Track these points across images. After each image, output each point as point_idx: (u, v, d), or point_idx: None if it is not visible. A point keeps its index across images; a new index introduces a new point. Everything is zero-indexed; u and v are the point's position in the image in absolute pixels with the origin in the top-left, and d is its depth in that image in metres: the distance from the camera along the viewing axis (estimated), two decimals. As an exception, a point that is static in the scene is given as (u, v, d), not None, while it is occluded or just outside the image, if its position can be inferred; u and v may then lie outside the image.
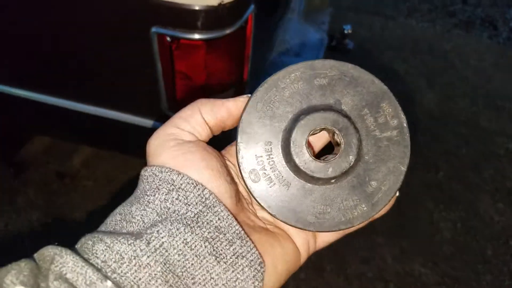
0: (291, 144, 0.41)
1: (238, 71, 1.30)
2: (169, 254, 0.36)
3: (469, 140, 2.66)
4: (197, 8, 1.05)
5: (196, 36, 1.10)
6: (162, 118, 1.34)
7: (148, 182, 0.40)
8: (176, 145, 0.41)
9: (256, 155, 0.43)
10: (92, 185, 2.16)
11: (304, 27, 2.06)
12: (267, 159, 0.43)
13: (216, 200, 0.39)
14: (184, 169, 0.40)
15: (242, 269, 0.39)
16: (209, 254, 0.38)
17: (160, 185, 0.39)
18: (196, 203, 0.38)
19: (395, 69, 3.06)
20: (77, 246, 0.38)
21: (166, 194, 0.39)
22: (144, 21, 1.11)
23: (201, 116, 0.43)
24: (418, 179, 2.41)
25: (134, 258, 0.35)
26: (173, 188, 0.39)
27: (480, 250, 2.17)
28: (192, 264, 0.37)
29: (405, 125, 0.43)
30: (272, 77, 0.43)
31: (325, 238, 0.48)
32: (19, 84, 1.46)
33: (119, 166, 2.21)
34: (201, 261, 0.37)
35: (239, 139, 0.43)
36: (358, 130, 0.42)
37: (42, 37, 1.30)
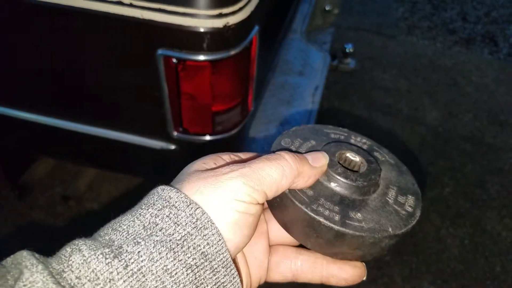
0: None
1: (243, 92, 1.31)
2: (146, 279, 0.35)
3: (474, 156, 2.66)
4: (202, 30, 1.06)
5: (202, 57, 1.12)
6: (168, 138, 1.35)
7: (148, 197, 0.40)
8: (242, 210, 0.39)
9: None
10: (97, 207, 2.16)
11: (307, 47, 2.08)
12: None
13: (208, 221, 0.37)
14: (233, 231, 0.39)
15: None
16: (190, 283, 0.36)
17: (156, 201, 0.39)
18: (186, 224, 0.37)
19: (397, 87, 3.07)
20: (59, 252, 0.36)
21: (159, 210, 0.38)
22: (150, 44, 1.12)
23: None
24: (424, 195, 2.39)
25: (110, 281, 0.34)
26: (167, 205, 0.38)
27: (489, 267, 2.15)
28: None
29: (417, 216, 0.47)
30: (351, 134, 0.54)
31: (274, 277, 0.50)
32: (25, 107, 1.47)
33: (124, 188, 2.21)
34: None
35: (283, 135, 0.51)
36: (378, 181, 0.48)
37: (47, 60, 1.32)
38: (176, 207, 0.38)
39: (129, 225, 0.37)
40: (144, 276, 0.35)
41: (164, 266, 0.35)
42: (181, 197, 0.38)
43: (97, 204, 2.16)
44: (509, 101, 3.06)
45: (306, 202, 0.44)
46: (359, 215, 0.45)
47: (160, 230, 0.37)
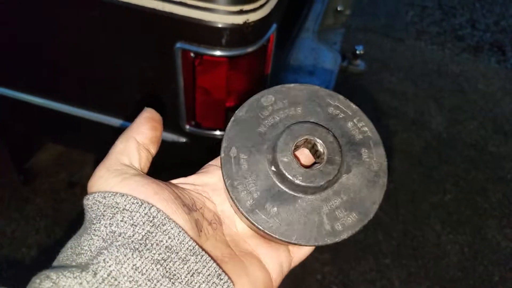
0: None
1: (257, 89, 1.31)
2: (119, 282, 0.35)
3: (477, 164, 2.66)
4: (222, 25, 1.07)
5: (219, 53, 1.12)
6: (180, 131, 1.35)
7: (93, 210, 0.39)
8: (123, 180, 0.40)
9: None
10: (101, 195, 2.16)
11: (318, 46, 2.08)
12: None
13: (165, 218, 0.38)
14: None
15: (199, 286, 0.37)
16: (162, 277, 0.36)
17: (105, 211, 0.38)
18: (144, 223, 0.37)
19: (404, 91, 3.07)
20: (27, 287, 0.36)
21: (110, 219, 0.37)
22: (169, 36, 1.12)
23: (137, 144, 0.44)
24: (425, 201, 2.41)
25: None
26: (117, 211, 0.37)
27: (487, 275, 2.16)
28: None
29: (339, 239, 0.42)
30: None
31: (301, 255, 0.48)
32: (37, 92, 1.47)
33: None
34: (155, 285, 0.36)
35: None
36: (323, 186, 0.42)
37: (64, 47, 1.32)
38: (128, 210, 0.37)
39: (89, 244, 0.37)
40: (116, 279, 0.35)
41: (133, 265, 0.35)
42: (130, 199, 0.38)
43: (101, 192, 2.17)
44: (514, 111, 3.07)
45: (231, 176, 0.43)
46: (275, 209, 0.42)
47: (119, 236, 0.37)
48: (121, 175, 0.40)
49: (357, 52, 2.31)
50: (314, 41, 2.11)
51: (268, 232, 0.42)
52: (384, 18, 3.77)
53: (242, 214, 0.42)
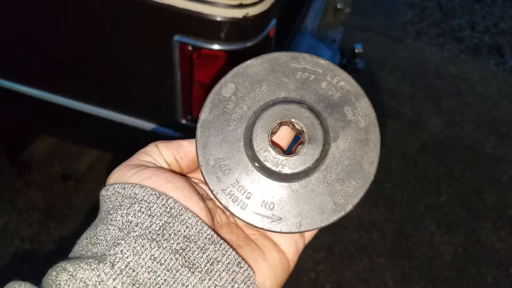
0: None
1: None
2: (137, 273, 0.35)
3: (473, 165, 2.66)
4: (221, 19, 1.05)
5: (218, 47, 1.11)
6: (176, 126, 1.34)
7: (111, 201, 0.39)
8: (139, 171, 0.40)
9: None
10: (95, 188, 2.14)
11: (317, 44, 2.07)
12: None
13: (182, 208, 0.38)
14: None
15: (219, 275, 0.37)
16: (181, 266, 0.36)
17: (122, 201, 0.38)
18: (161, 214, 0.37)
19: (402, 91, 3.07)
20: (44, 279, 0.36)
21: (127, 208, 0.37)
22: (167, 29, 1.11)
23: (159, 152, 0.44)
24: (421, 201, 2.40)
25: (99, 284, 0.33)
26: (135, 201, 0.38)
27: (480, 277, 2.16)
28: (165, 280, 0.35)
29: (345, 211, 0.41)
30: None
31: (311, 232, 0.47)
32: (32, 83, 1.45)
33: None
34: (174, 275, 0.36)
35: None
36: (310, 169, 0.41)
37: (61, 38, 1.30)
38: (145, 201, 0.38)
39: (105, 234, 0.37)
40: (134, 270, 0.35)
41: (151, 256, 0.35)
42: (148, 191, 0.38)
43: (95, 185, 2.15)
44: (511, 114, 3.07)
45: (216, 186, 0.41)
46: (272, 205, 0.41)
47: (136, 226, 0.37)
48: (137, 167, 0.41)
49: (356, 50, 2.30)
50: (313, 38, 2.10)
51: (272, 230, 0.41)
52: (383, 17, 3.76)
53: (241, 220, 0.41)
